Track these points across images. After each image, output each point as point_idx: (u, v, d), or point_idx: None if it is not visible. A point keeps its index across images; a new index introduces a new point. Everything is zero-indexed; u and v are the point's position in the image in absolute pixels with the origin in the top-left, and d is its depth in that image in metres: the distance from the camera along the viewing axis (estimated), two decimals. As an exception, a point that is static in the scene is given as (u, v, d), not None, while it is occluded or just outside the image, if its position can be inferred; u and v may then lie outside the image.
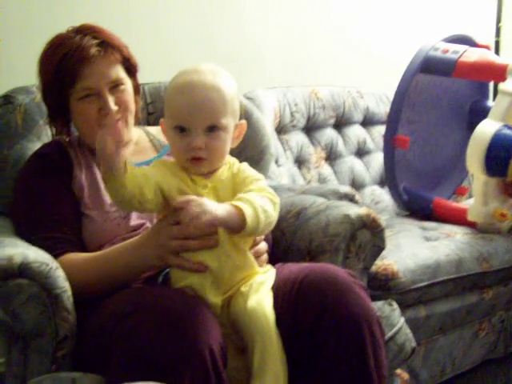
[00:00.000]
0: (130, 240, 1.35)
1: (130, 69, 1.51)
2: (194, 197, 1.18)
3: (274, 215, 1.25)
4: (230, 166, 1.31)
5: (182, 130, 1.24)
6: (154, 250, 1.28)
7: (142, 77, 1.59)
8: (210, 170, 1.28)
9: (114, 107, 1.44)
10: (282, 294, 1.27)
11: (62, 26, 1.50)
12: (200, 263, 1.24)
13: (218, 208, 1.17)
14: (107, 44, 1.45)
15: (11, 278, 1.19)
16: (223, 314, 1.25)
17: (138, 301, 1.19)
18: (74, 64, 1.41)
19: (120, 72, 1.47)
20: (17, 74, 1.83)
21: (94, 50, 1.42)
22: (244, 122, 1.33)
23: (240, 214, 1.18)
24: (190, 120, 1.23)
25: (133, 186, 1.20)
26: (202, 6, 2.51)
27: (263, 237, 1.40)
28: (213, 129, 1.24)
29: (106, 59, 1.44)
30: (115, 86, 1.45)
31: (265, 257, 1.40)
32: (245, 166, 1.32)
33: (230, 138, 1.28)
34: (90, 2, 2.21)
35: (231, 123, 1.27)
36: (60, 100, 1.46)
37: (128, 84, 1.49)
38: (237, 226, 1.19)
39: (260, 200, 1.22)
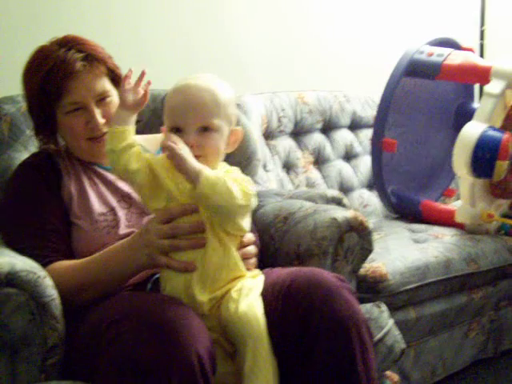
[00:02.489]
0: (120, 242, 1.35)
1: (116, 79, 1.51)
2: (179, 139, 1.24)
3: (237, 197, 1.23)
4: (222, 167, 1.33)
5: (177, 130, 1.28)
6: (143, 248, 1.28)
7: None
8: None
9: (101, 120, 1.45)
10: (270, 299, 1.28)
11: (47, 35, 1.49)
12: (189, 263, 1.25)
13: (190, 156, 1.22)
14: (92, 57, 1.45)
15: (-1, 287, 1.19)
16: (213, 319, 1.26)
17: (126, 307, 1.19)
18: (59, 79, 1.42)
19: (106, 84, 1.47)
20: (2, 84, 1.82)
21: (79, 65, 1.42)
22: (240, 128, 1.36)
23: (201, 173, 1.21)
24: (183, 119, 1.27)
25: (125, 141, 1.27)
26: (186, 13, 2.51)
27: (252, 239, 1.41)
28: (206, 129, 1.28)
29: (92, 73, 1.45)
30: (102, 98, 1.46)
31: (253, 260, 1.40)
32: (236, 169, 1.34)
33: (223, 141, 1.31)
34: (73, 11, 2.21)
35: (224, 126, 1.31)
36: (46, 113, 1.46)
37: (114, 95, 1.49)
38: (191, 179, 1.22)
39: (228, 179, 1.24)
